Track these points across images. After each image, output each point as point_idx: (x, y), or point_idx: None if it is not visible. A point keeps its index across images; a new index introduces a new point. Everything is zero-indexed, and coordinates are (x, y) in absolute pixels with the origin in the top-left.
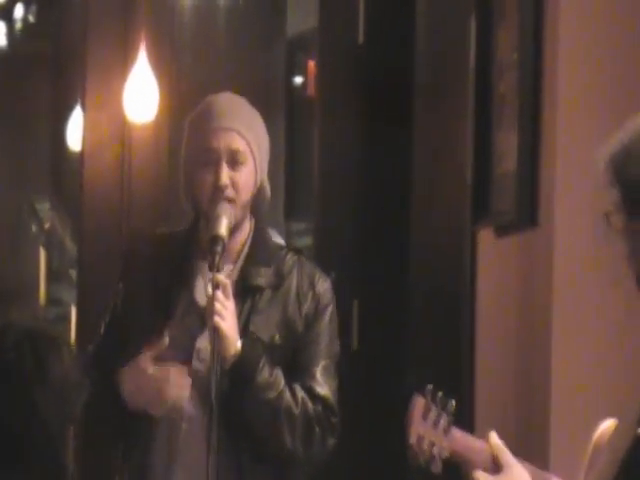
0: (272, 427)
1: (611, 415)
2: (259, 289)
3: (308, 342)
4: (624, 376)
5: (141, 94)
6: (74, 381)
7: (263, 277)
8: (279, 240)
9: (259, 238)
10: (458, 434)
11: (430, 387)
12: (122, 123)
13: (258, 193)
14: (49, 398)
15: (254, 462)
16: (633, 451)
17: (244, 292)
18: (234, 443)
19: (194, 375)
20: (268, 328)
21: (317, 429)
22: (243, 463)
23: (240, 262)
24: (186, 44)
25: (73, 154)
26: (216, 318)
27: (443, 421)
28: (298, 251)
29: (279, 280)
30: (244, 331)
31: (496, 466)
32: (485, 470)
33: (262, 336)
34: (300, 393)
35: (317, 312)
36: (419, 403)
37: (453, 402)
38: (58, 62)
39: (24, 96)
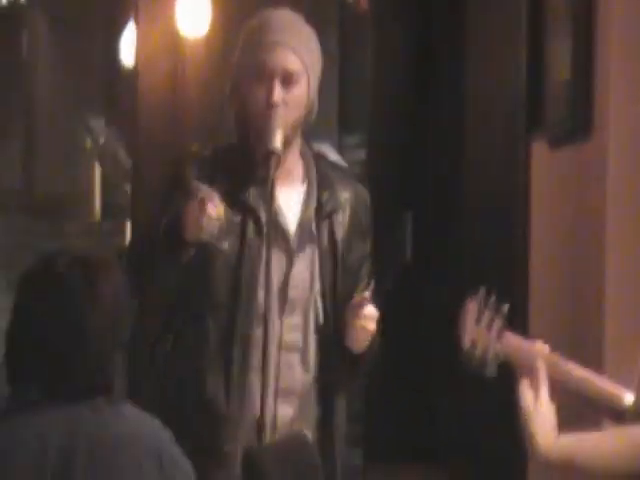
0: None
1: None
2: (332, 213)
3: (366, 261)
4: None
5: (194, 7)
6: (123, 305)
7: (331, 201)
8: (335, 157)
9: (317, 161)
10: (511, 338)
11: (482, 291)
12: (175, 36)
13: (308, 114)
14: (99, 319)
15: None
16: None
17: (318, 218)
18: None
19: (289, 301)
20: (355, 258)
21: None
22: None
23: (302, 186)
24: None
25: (127, 69)
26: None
27: (496, 325)
28: (350, 172)
29: (339, 203)
30: (335, 266)
31: None
32: None
33: (354, 266)
34: None
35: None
36: (471, 307)
37: (506, 306)
38: None
39: (78, 11)
